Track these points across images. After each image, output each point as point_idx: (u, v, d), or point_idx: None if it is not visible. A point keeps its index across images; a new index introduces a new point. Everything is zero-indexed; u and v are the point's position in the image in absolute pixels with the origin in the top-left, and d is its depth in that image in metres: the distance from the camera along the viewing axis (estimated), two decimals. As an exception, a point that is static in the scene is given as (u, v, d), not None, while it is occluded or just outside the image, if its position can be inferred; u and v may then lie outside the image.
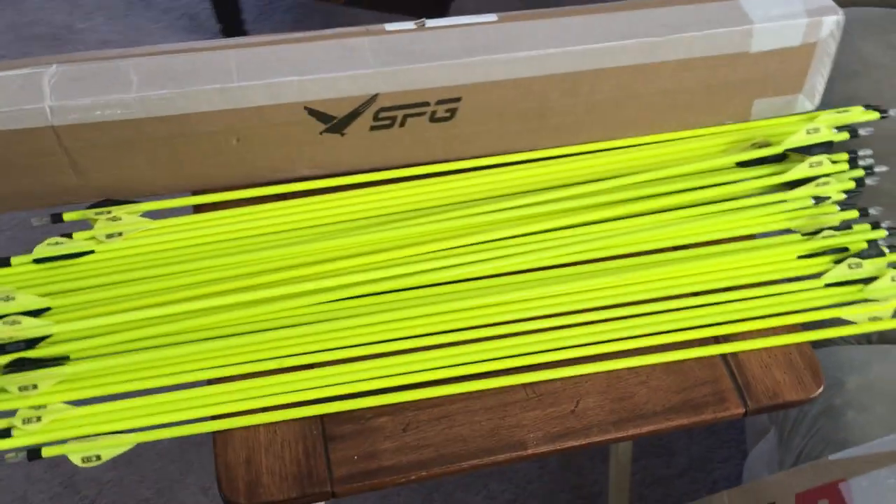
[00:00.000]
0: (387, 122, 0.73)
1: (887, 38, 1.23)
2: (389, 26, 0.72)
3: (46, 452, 0.60)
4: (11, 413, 0.61)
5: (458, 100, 0.73)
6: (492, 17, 0.73)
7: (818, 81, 0.79)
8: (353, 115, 0.72)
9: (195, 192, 0.74)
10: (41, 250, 0.68)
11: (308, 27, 1.79)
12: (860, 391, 0.89)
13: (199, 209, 0.74)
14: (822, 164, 0.75)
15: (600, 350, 0.67)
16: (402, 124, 0.73)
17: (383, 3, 1.53)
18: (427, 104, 0.72)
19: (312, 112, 0.71)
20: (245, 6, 1.76)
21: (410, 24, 0.72)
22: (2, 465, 1.22)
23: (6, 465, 1.22)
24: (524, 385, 0.66)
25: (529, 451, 0.63)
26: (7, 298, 0.64)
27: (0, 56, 1.71)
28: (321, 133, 0.72)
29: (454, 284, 0.69)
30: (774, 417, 1.03)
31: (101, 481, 1.22)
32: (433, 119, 0.73)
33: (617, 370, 0.67)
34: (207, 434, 0.63)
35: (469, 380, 0.65)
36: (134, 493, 1.22)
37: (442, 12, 1.49)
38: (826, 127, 0.77)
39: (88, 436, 0.61)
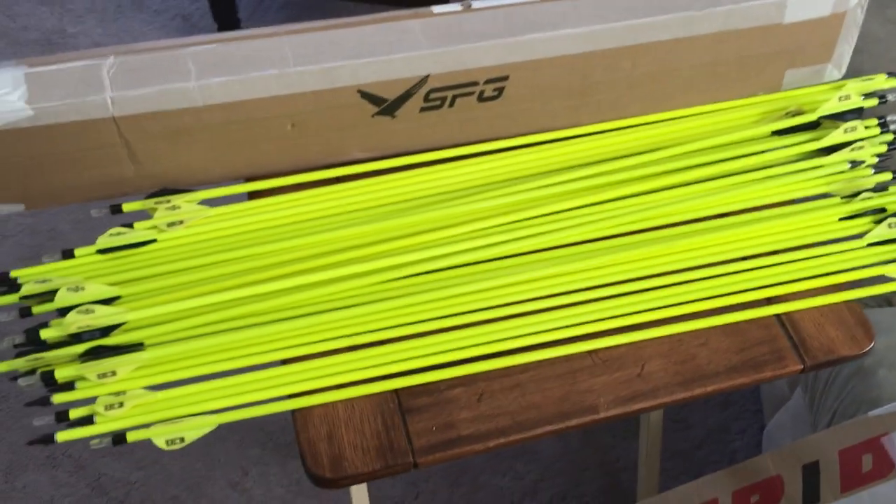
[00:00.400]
0: (437, 102, 0.74)
1: (884, 14, 1.27)
2: (437, 9, 0.74)
3: (131, 437, 0.61)
4: (92, 401, 0.62)
5: (505, 78, 0.74)
6: (536, -5, 0.75)
7: (846, 50, 0.82)
8: (405, 96, 0.73)
9: (248, 179, 0.75)
10: (104, 241, 0.69)
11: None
12: (890, 350, 0.92)
13: (253, 196, 0.74)
14: (857, 129, 0.78)
15: (660, 315, 0.69)
16: (451, 104, 0.75)
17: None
18: (476, 83, 0.74)
19: (365, 95, 0.72)
20: (239, 4, 1.75)
21: (457, 6, 0.74)
22: (26, 471, 1.22)
23: (30, 469, 1.22)
24: (590, 352, 0.68)
25: (601, 415, 0.65)
26: (77, 289, 0.65)
27: (-5, 62, 1.69)
28: (373, 116, 0.73)
29: (517, 258, 0.71)
30: (801, 382, 1.06)
31: (128, 481, 1.22)
32: (481, 98, 0.75)
33: (677, 334, 0.69)
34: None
35: (537, 349, 0.67)
36: (162, 491, 1.22)
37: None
38: (856, 94, 0.80)
39: (171, 419, 0.61)
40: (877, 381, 0.91)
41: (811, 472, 0.82)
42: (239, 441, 1.25)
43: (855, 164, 0.78)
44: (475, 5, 0.74)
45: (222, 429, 0.64)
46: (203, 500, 1.21)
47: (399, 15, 0.73)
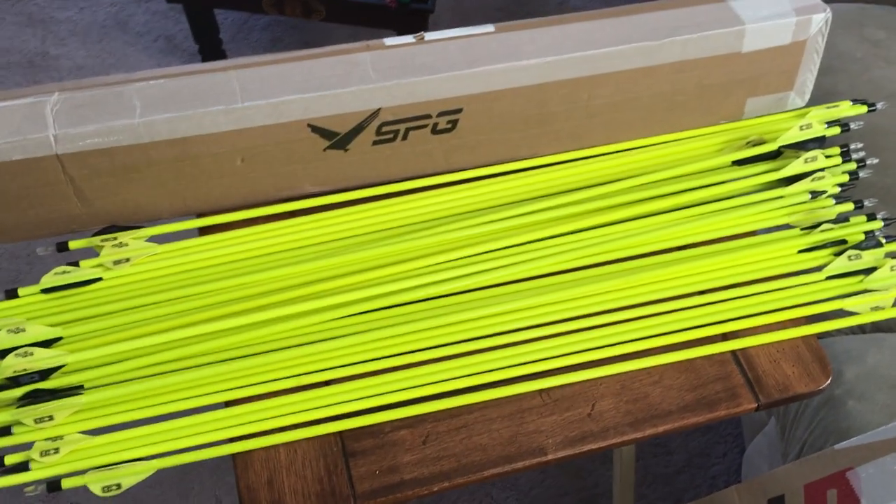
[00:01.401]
0: (389, 135, 0.73)
1: (861, 32, 1.26)
2: (389, 41, 0.73)
3: (66, 484, 0.60)
4: (29, 446, 0.61)
5: (459, 111, 0.73)
6: (489, 27, 0.74)
7: (808, 78, 0.81)
8: (357, 130, 0.72)
9: (200, 215, 0.74)
10: (49, 279, 0.68)
11: (286, 45, 1.80)
12: (859, 380, 0.91)
13: (204, 231, 0.73)
14: (817, 159, 0.77)
15: (612, 353, 0.68)
16: (404, 137, 0.74)
17: (362, 18, 1.53)
18: (429, 116, 0.73)
19: (316, 129, 0.71)
20: (222, 26, 1.75)
21: (410, 38, 0.73)
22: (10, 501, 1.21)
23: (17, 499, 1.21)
24: (540, 391, 0.66)
25: (549, 457, 0.64)
26: (18, 330, 0.64)
27: (-24, 85, 1.69)
28: (325, 150, 0.73)
29: (464, 294, 0.70)
30: (773, 410, 1.05)
31: (101, 510, 1.21)
32: (435, 131, 0.74)
33: (630, 371, 0.68)
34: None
35: (485, 388, 0.66)
36: (136, 520, 1.21)
37: (422, 26, 1.49)
38: (818, 122, 0.79)
39: (108, 465, 0.60)
40: (846, 412, 0.89)
41: (777, 507, 0.81)
42: (213, 468, 1.24)
43: (816, 194, 0.76)
44: (429, 37, 0.74)
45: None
46: (176, 529, 1.20)
47: (350, 48, 0.73)
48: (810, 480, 0.80)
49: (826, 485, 0.77)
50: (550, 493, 1.25)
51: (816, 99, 0.83)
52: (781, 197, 0.76)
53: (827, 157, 0.78)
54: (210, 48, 1.70)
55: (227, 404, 0.64)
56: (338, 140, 0.72)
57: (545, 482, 1.26)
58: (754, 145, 0.79)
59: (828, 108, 0.81)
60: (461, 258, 0.71)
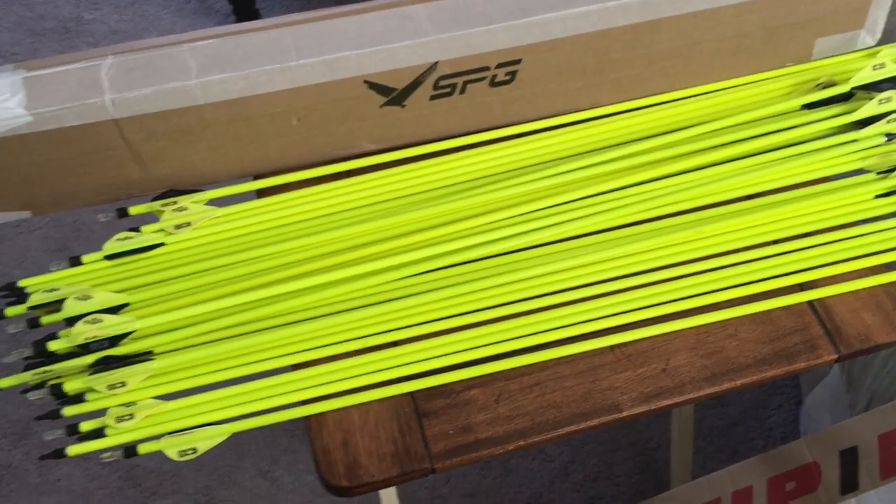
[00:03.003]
0: (447, 90, 0.71)
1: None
2: (444, -9, 0.71)
3: (142, 449, 0.60)
4: (103, 412, 0.61)
5: (517, 62, 0.71)
6: (547, -27, 0.72)
7: (879, 16, 0.77)
8: (413, 85, 0.70)
9: (257, 177, 0.73)
10: (111, 246, 0.67)
11: (318, 4, 1.77)
12: (931, 328, 0.88)
13: (262, 193, 0.72)
14: (892, 99, 0.73)
15: (685, 306, 0.66)
16: (462, 91, 0.72)
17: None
18: (487, 68, 0.71)
19: (372, 85, 0.69)
20: (255, -15, 1.73)
21: (465, -13, 0.71)
22: (59, 465, 1.23)
23: (63, 462, 1.23)
24: (612, 347, 0.65)
25: (625, 413, 0.62)
26: (85, 297, 0.63)
27: (13, 53, 1.69)
28: (381, 106, 0.71)
29: (531, 250, 0.68)
30: (838, 360, 1.02)
31: (160, 472, 1.23)
32: (493, 83, 0.72)
33: (704, 325, 0.66)
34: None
35: (556, 346, 0.64)
36: (194, 481, 1.22)
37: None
38: (891, 61, 0.76)
39: (183, 429, 0.60)
40: (918, 361, 0.87)
41: (849, 459, 0.79)
42: (268, 430, 1.25)
43: (891, 136, 0.73)
44: (484, -15, 0.71)
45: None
46: (234, 489, 1.21)
47: (404, 0, 0.70)
48: (884, 431, 0.78)
49: (901, 435, 0.76)
50: (604, 448, 1.24)
51: (888, 37, 0.80)
52: (855, 140, 0.73)
53: (902, 97, 0.74)
54: (243, 8, 1.68)
55: (296, 367, 0.63)
56: (394, 96, 0.71)
57: (599, 436, 1.25)
58: (825, 87, 0.76)
59: (901, 45, 0.77)
60: (524, 213, 0.69)
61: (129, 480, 1.22)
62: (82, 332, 0.61)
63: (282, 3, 1.78)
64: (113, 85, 0.65)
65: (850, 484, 0.78)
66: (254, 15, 1.70)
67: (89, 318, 0.62)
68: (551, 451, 1.24)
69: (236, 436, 0.61)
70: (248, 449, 1.24)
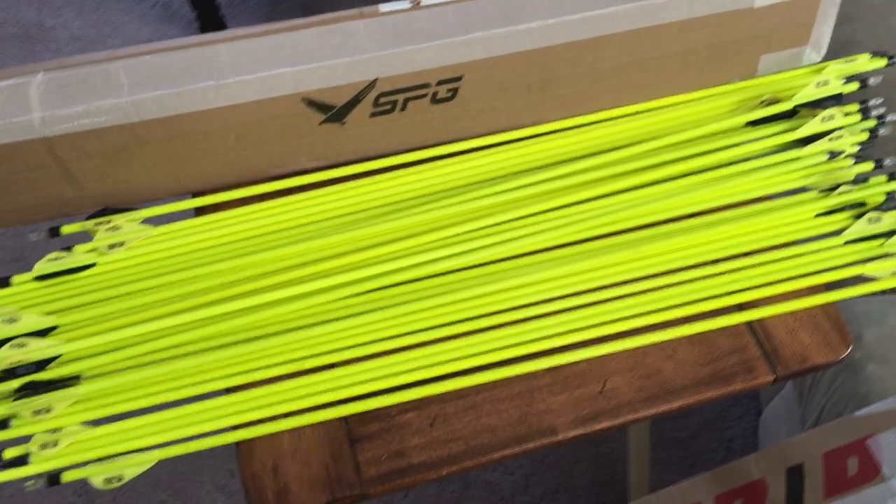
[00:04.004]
0: (387, 107, 0.70)
1: (879, -20, 1.21)
2: (384, 7, 0.70)
3: (66, 477, 0.58)
4: (27, 439, 0.59)
5: (459, 79, 0.70)
6: (488, -10, 0.71)
7: (825, 31, 0.77)
8: (353, 102, 0.69)
9: (195, 195, 0.72)
10: (42, 266, 0.66)
11: (285, 9, 1.76)
12: (879, 343, 0.88)
13: (200, 211, 0.71)
14: (834, 117, 0.73)
15: (623, 327, 0.65)
16: (403, 108, 0.71)
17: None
18: (428, 85, 0.70)
19: (311, 103, 0.68)
20: (219, -9, 1.71)
21: (406, 4, 0.70)
22: (11, 481, 1.21)
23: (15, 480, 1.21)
24: (549, 369, 0.64)
25: (560, 437, 0.62)
26: (11, 320, 0.62)
27: (-28, 59, 1.67)
28: (321, 123, 0.70)
29: (468, 270, 0.68)
30: (792, 374, 1.02)
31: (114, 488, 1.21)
32: (435, 100, 0.71)
33: (642, 346, 0.65)
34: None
35: (492, 368, 0.64)
36: (150, 496, 1.21)
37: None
38: (835, 78, 0.75)
39: (109, 456, 0.59)
40: (866, 377, 0.87)
41: (795, 476, 0.79)
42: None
43: (834, 154, 0.73)
44: (424, 2, 0.70)
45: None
46: (190, 503, 1.20)
47: (343, 16, 0.69)
48: (829, 448, 0.78)
49: (846, 453, 0.76)
50: (565, 460, 1.24)
51: (832, 50, 0.80)
52: (798, 158, 0.73)
53: (845, 114, 0.74)
54: (208, 14, 1.66)
55: (229, 391, 0.62)
56: (334, 113, 0.70)
57: (560, 449, 1.25)
58: (769, 105, 0.76)
59: (846, 62, 0.77)
60: (463, 233, 0.69)
61: (83, 496, 1.21)
62: (7, 357, 0.60)
63: (246, 9, 1.77)
64: (43, 102, 0.64)
65: (795, 502, 0.78)
66: (218, 22, 1.68)
67: (15, 341, 0.61)
68: (511, 464, 1.24)
69: (193, 451, 0.60)
70: (205, 463, 1.23)
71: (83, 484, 1.19)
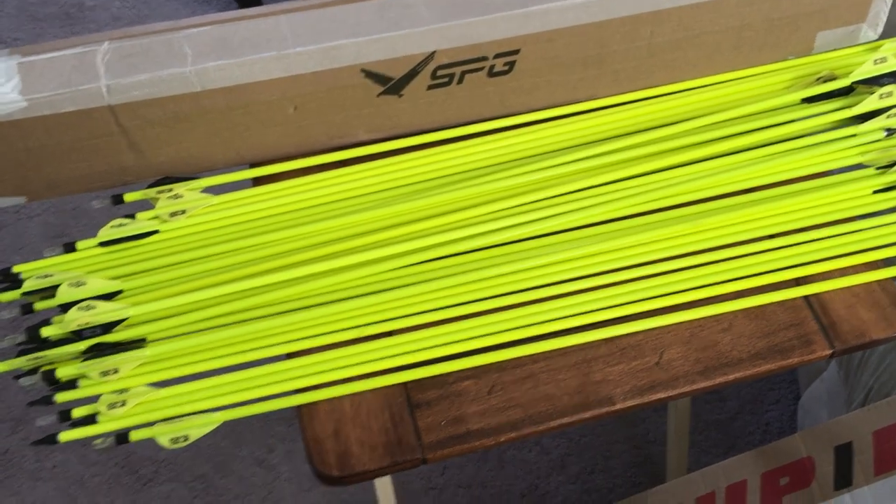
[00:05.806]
0: (444, 79, 0.71)
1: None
2: (442, -21, 0.70)
3: (134, 436, 0.60)
4: (95, 399, 0.61)
5: (516, 52, 0.71)
6: (547, -37, 0.71)
7: (881, 9, 0.77)
8: (411, 74, 0.70)
9: (253, 165, 0.73)
10: (106, 233, 0.67)
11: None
12: (929, 325, 0.88)
13: (257, 182, 0.72)
14: (892, 94, 0.73)
15: (680, 299, 0.66)
16: (460, 81, 0.71)
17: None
18: (485, 58, 0.70)
19: (369, 74, 0.69)
20: (257, -29, 1.72)
21: (464, -24, 0.70)
22: (56, 451, 1.23)
23: (60, 449, 1.23)
24: (606, 340, 0.65)
25: (618, 406, 0.62)
26: (78, 284, 0.63)
27: (14, 39, 1.69)
28: (378, 95, 0.70)
29: (527, 242, 0.68)
30: (836, 356, 1.02)
31: (156, 460, 1.23)
32: (492, 73, 0.72)
33: (698, 319, 0.66)
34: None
35: (550, 337, 0.64)
36: (190, 468, 1.22)
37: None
38: (893, 56, 0.75)
39: (175, 417, 0.60)
40: (915, 357, 0.87)
41: (844, 454, 0.79)
42: (264, 418, 1.25)
43: (891, 131, 0.73)
44: (483, -25, 0.71)
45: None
46: (230, 477, 1.22)
47: (402, -12, 0.70)
48: (879, 427, 0.78)
49: (896, 431, 0.76)
50: (601, 441, 1.24)
51: (889, 31, 0.79)
52: (855, 135, 0.73)
53: (903, 92, 0.74)
54: (247, -3, 1.67)
55: (290, 356, 0.63)
56: (391, 85, 0.70)
57: (596, 429, 1.25)
58: (825, 81, 0.75)
59: (902, 40, 0.77)
60: (520, 205, 0.69)
61: (125, 467, 1.22)
62: (75, 319, 0.61)
63: (284, -9, 1.77)
64: (108, 71, 0.65)
65: (843, 479, 0.78)
66: (256, 1, 1.69)
67: (83, 304, 0.62)
68: (548, 444, 1.24)
69: (232, 424, 0.61)
70: (245, 437, 1.24)
71: (125, 454, 1.22)
